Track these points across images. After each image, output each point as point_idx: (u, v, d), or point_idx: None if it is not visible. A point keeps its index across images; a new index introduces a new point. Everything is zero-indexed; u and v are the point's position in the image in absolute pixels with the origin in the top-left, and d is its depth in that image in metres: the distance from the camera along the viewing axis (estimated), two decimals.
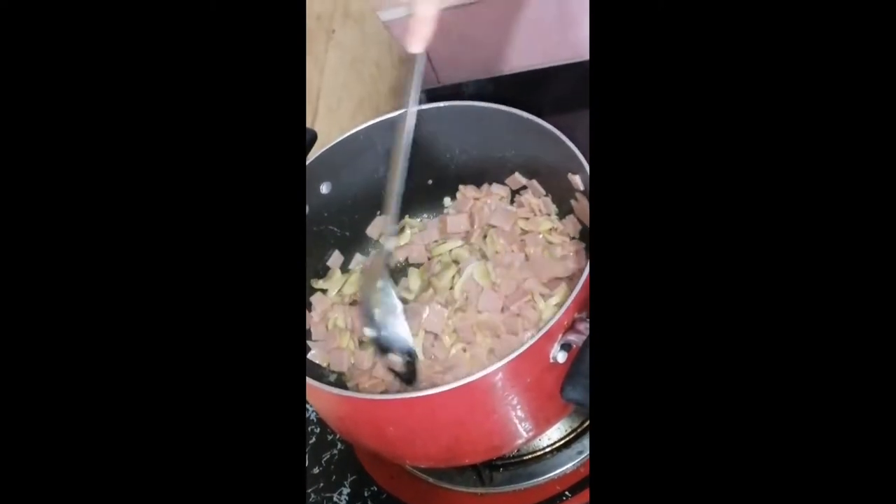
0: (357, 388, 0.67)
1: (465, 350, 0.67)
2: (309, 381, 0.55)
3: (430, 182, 0.75)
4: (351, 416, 0.61)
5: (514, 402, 0.56)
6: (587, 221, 0.69)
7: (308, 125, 0.79)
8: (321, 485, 0.75)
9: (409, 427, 0.58)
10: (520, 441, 0.62)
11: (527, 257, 0.70)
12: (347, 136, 0.70)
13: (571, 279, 0.68)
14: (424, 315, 0.68)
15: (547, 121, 0.65)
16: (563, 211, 0.72)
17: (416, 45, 0.57)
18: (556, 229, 0.72)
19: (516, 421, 0.58)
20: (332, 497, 0.74)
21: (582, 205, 0.68)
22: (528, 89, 1.03)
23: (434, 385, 0.52)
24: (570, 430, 0.71)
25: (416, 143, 0.72)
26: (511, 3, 0.96)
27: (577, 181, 0.66)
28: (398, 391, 0.65)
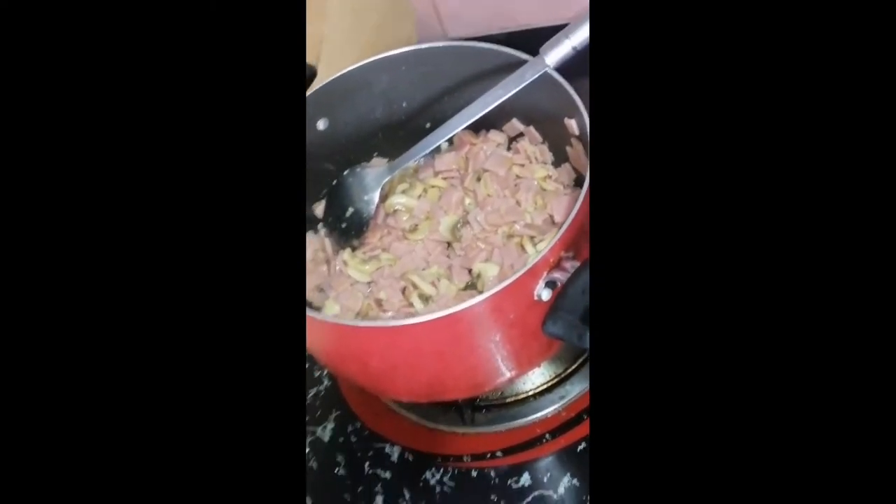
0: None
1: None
2: None
3: (427, 125, 0.75)
4: (336, 348, 0.61)
5: (497, 338, 0.57)
6: (581, 169, 0.69)
7: None
8: (307, 419, 0.76)
9: (392, 359, 0.59)
10: (502, 379, 0.63)
11: (518, 203, 0.70)
12: (343, 74, 0.70)
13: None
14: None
15: None
16: (559, 160, 0.72)
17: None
18: (550, 177, 0.72)
19: (498, 358, 0.59)
20: (315, 431, 0.75)
21: (577, 151, 0.68)
22: (530, 46, 1.03)
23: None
24: (553, 375, 0.72)
25: (415, 84, 0.73)
26: None
27: (573, 126, 0.66)
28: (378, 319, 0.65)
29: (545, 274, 0.54)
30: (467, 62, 0.70)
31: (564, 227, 0.54)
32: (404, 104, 0.75)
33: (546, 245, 0.66)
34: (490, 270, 0.66)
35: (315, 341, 0.63)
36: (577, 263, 0.55)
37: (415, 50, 0.70)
